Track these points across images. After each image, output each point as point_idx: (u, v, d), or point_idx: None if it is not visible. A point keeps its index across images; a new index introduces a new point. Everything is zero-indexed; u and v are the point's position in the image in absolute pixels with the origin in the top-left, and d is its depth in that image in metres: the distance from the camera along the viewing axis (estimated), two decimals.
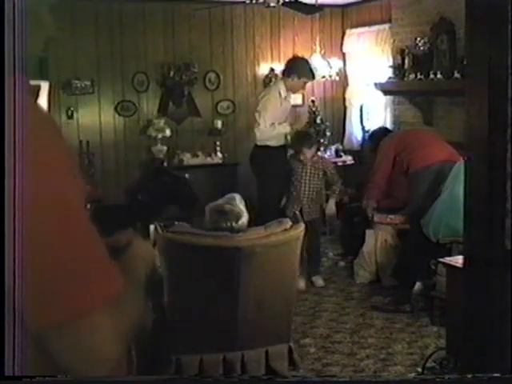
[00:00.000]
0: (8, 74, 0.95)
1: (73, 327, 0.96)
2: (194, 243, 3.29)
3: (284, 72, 5.92)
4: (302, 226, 3.52)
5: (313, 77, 5.96)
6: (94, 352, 0.99)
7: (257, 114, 5.73)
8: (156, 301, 3.34)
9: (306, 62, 6.01)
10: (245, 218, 3.45)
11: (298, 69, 5.76)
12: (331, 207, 5.72)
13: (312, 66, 6.07)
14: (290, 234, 3.45)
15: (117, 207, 1.10)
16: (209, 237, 3.30)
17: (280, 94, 5.75)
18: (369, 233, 5.63)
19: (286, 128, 5.74)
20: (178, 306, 3.40)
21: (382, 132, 6.13)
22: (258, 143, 5.73)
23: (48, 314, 0.95)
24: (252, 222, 3.56)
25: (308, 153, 5.58)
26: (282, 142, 5.76)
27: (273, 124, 5.65)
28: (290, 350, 3.66)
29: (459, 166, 4.35)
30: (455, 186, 4.47)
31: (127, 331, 1.05)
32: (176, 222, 3.39)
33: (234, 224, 3.39)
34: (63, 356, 0.99)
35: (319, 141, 7.37)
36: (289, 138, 5.86)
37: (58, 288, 0.95)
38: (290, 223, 3.48)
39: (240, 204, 3.49)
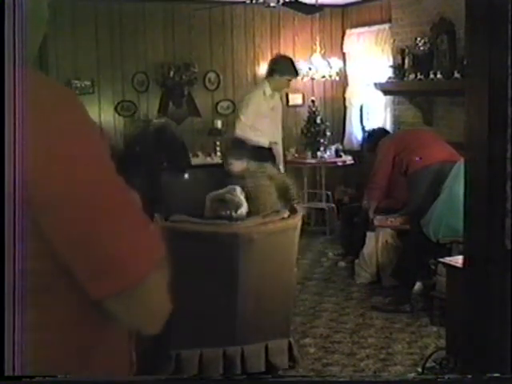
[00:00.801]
0: (8, 69, 0.95)
1: (135, 291, 1.03)
2: (194, 231, 3.33)
3: (267, 72, 5.96)
4: (299, 216, 3.57)
5: (296, 74, 5.96)
6: (154, 311, 1.10)
7: (238, 111, 5.83)
8: None
9: (288, 60, 6.01)
10: (244, 208, 3.52)
11: (279, 67, 5.79)
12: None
13: (295, 64, 6.04)
14: (288, 222, 3.51)
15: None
16: (208, 225, 3.35)
17: (264, 92, 5.79)
18: (369, 235, 5.62)
19: (265, 141, 5.71)
20: (178, 298, 3.41)
21: (381, 132, 6.13)
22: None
23: (111, 282, 1.01)
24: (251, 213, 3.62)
25: (235, 165, 4.60)
26: (265, 145, 5.77)
27: (255, 128, 5.64)
28: (290, 346, 3.67)
29: (459, 166, 4.35)
30: (455, 186, 4.47)
31: (170, 289, 1.13)
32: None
33: (233, 213, 3.45)
34: (127, 318, 1.08)
35: (321, 141, 7.37)
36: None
37: (118, 256, 1.01)
38: (287, 213, 3.54)
39: (240, 195, 3.55)
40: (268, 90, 5.80)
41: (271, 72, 5.84)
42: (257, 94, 5.84)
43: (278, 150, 6.04)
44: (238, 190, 3.60)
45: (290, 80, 5.89)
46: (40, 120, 0.96)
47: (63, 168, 0.97)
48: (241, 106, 5.90)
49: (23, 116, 0.94)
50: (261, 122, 5.76)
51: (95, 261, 1.01)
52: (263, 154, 5.58)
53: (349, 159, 7.51)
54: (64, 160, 0.97)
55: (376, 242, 5.56)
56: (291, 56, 7.79)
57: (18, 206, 0.94)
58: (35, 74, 1.02)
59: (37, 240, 0.97)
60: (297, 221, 3.56)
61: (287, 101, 7.94)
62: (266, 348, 3.58)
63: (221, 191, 3.60)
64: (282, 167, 6.04)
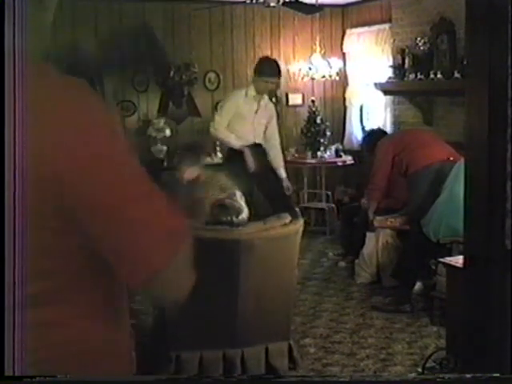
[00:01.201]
0: (8, 69, 0.95)
1: (167, 272, 1.11)
2: (194, 236, 3.31)
3: (253, 73, 5.90)
4: (300, 221, 3.57)
5: (277, 76, 5.72)
6: (181, 286, 1.19)
7: (216, 110, 5.78)
8: None
9: (270, 61, 5.87)
10: (245, 214, 3.50)
11: (259, 68, 5.69)
12: None
13: (279, 66, 5.83)
14: (289, 228, 3.51)
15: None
16: (209, 230, 3.34)
17: (246, 94, 5.65)
18: (369, 235, 5.62)
19: (236, 143, 5.53)
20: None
21: (378, 133, 6.13)
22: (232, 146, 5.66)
23: (146, 267, 1.07)
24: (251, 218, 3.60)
25: (187, 172, 4.36)
26: (236, 146, 5.60)
27: (232, 129, 5.55)
28: (290, 348, 3.67)
29: (459, 166, 4.34)
30: (455, 186, 4.47)
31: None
32: None
33: (234, 218, 3.43)
34: (162, 297, 1.18)
35: (321, 141, 7.37)
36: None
37: (148, 243, 1.07)
38: (289, 218, 3.53)
39: (240, 200, 3.53)
40: (251, 92, 5.66)
41: (253, 74, 5.79)
42: (237, 95, 5.75)
43: (249, 154, 5.55)
44: (238, 194, 3.57)
45: (268, 82, 5.61)
46: (64, 119, 0.97)
47: (95, 165, 1.00)
48: (219, 106, 5.83)
49: (38, 116, 0.94)
50: (239, 123, 5.59)
51: (127, 250, 1.05)
52: (232, 156, 5.52)
53: (349, 159, 7.51)
54: (96, 158, 1.00)
55: (376, 242, 5.56)
56: (291, 56, 7.82)
57: (19, 204, 0.94)
58: (49, 71, 1.03)
59: (51, 238, 0.98)
60: (298, 226, 3.55)
61: (287, 101, 7.95)
62: (266, 350, 3.58)
63: (220, 196, 3.57)
64: (283, 171, 5.96)
